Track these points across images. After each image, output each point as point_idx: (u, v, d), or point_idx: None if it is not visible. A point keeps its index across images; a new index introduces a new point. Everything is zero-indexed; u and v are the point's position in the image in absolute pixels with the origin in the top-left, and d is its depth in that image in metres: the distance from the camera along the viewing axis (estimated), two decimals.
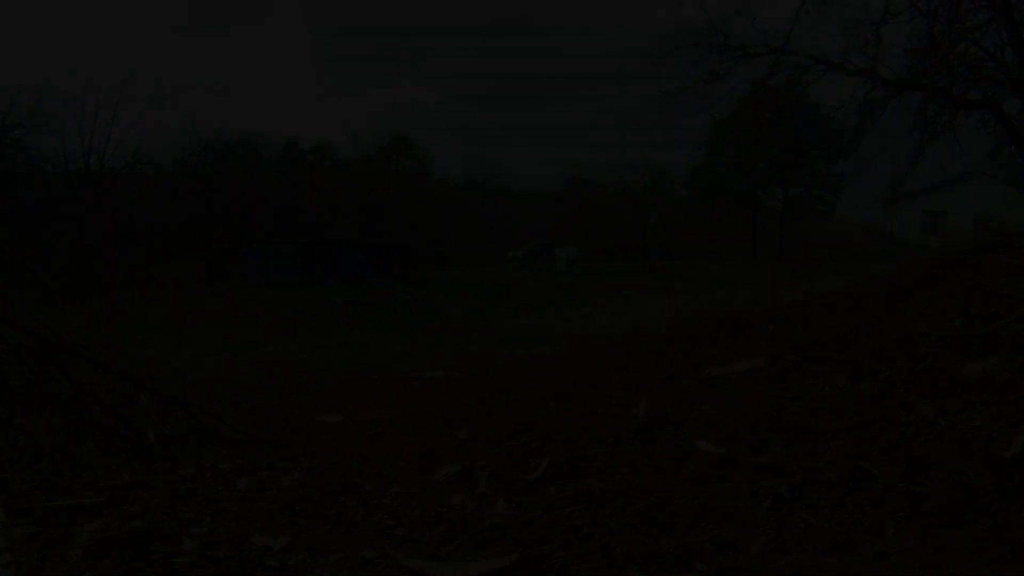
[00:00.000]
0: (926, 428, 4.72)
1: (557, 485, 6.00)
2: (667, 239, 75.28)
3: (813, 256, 58.06)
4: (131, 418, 10.61)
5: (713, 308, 17.53)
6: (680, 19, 16.06)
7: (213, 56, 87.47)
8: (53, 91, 55.48)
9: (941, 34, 12.38)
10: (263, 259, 46.23)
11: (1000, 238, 14.39)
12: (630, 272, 55.40)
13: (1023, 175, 19.23)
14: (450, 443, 9.43)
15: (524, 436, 8.70)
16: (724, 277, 47.62)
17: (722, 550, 3.88)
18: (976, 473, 3.81)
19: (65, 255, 32.99)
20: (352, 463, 8.83)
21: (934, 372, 5.97)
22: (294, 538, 5.41)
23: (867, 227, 67.95)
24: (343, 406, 15.69)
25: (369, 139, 60.61)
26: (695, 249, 78.86)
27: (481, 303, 38.89)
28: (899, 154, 16.72)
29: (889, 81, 14.91)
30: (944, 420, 4.71)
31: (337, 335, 28.25)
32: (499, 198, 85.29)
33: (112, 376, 11.26)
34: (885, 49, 14.53)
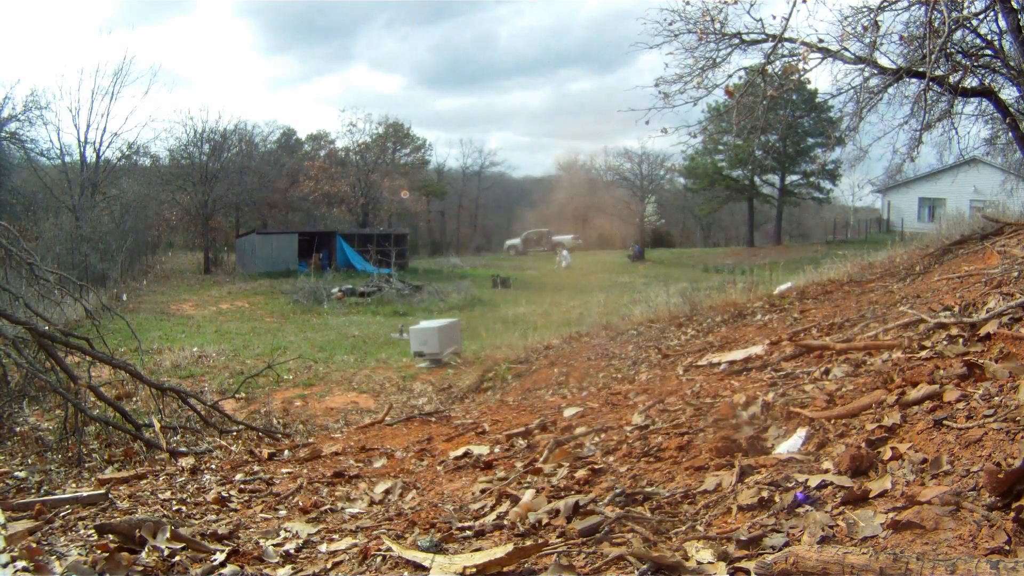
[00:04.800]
0: (924, 417, 4.73)
1: (556, 475, 6.02)
2: (663, 227, 75.23)
3: (810, 243, 58.13)
4: (130, 409, 10.64)
5: (710, 296, 17.53)
6: (676, 7, 15.89)
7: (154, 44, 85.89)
8: (48, 83, 55.27)
9: (939, 21, 12.33)
10: (260, 249, 46.24)
11: (997, 225, 14.40)
12: (624, 262, 55.46)
13: (1020, 163, 19.24)
14: (447, 433, 9.45)
15: (523, 425, 8.71)
16: (721, 264, 47.65)
17: (719, 539, 3.90)
18: (976, 470, 3.81)
19: (62, 247, 32.94)
20: (351, 453, 8.86)
21: (931, 361, 5.97)
22: (293, 529, 5.42)
23: (864, 214, 68.03)
24: (342, 396, 15.74)
25: (365, 127, 60.29)
26: (692, 237, 78.89)
27: (479, 292, 38.90)
28: (896, 141, 16.73)
29: (887, 69, 14.89)
30: (941, 410, 4.72)
31: (334, 324, 28.26)
32: (495, 185, 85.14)
33: (110, 367, 11.27)
34: (882, 36, 14.50)
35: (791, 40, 15.14)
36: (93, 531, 5.03)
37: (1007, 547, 3.01)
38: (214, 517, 6.10)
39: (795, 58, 15.82)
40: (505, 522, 4.84)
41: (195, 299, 35.14)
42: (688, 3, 15.58)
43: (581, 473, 5.87)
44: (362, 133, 60.18)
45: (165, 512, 6.14)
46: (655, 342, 13.76)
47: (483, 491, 6.07)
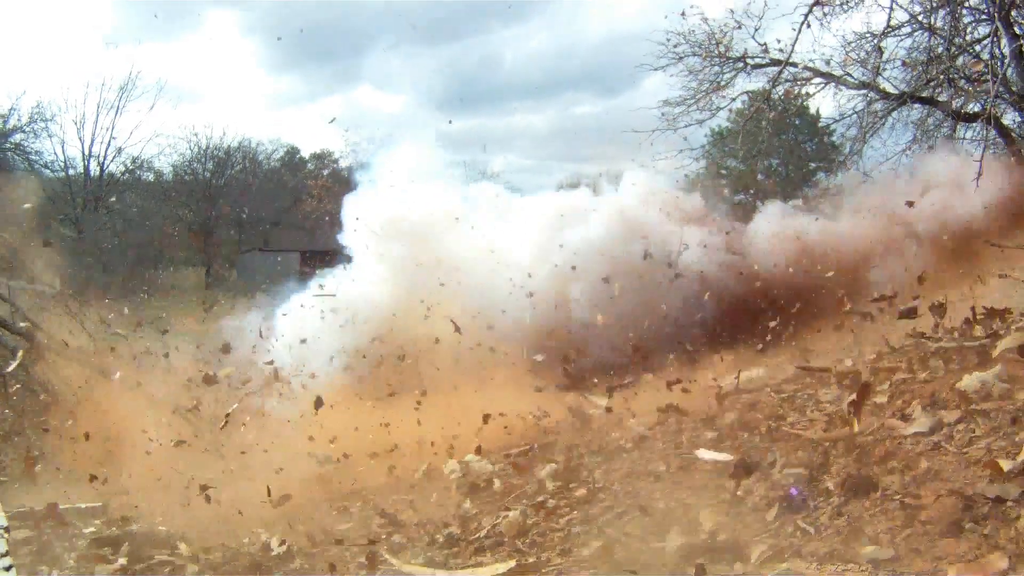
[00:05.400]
0: (924, 438, 4.73)
1: (556, 492, 5.99)
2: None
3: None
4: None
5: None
6: (682, 29, 16.01)
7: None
8: (53, 96, 55.26)
9: (941, 47, 12.43)
10: (262, 266, 46.21)
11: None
12: None
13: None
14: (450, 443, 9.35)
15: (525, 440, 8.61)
16: None
17: (720, 558, 3.89)
18: (975, 483, 3.81)
19: (64, 260, 32.94)
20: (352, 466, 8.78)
21: (932, 382, 5.97)
22: (292, 542, 5.40)
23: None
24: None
25: (368, 147, 60.25)
26: None
27: None
28: (899, 166, 16.73)
29: (889, 94, 14.98)
30: (942, 430, 4.72)
31: None
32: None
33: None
34: (885, 62, 14.62)
35: (795, 65, 15.24)
36: (91, 541, 5.03)
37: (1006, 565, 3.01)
38: (213, 526, 6.08)
39: (799, 83, 15.95)
40: (506, 538, 4.83)
41: (197, 314, 35.09)
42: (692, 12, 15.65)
43: (582, 491, 5.85)
44: (367, 154, 60.22)
45: (164, 521, 6.13)
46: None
47: (485, 504, 6.03)
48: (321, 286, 13.31)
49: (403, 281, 13.13)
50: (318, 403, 8.94)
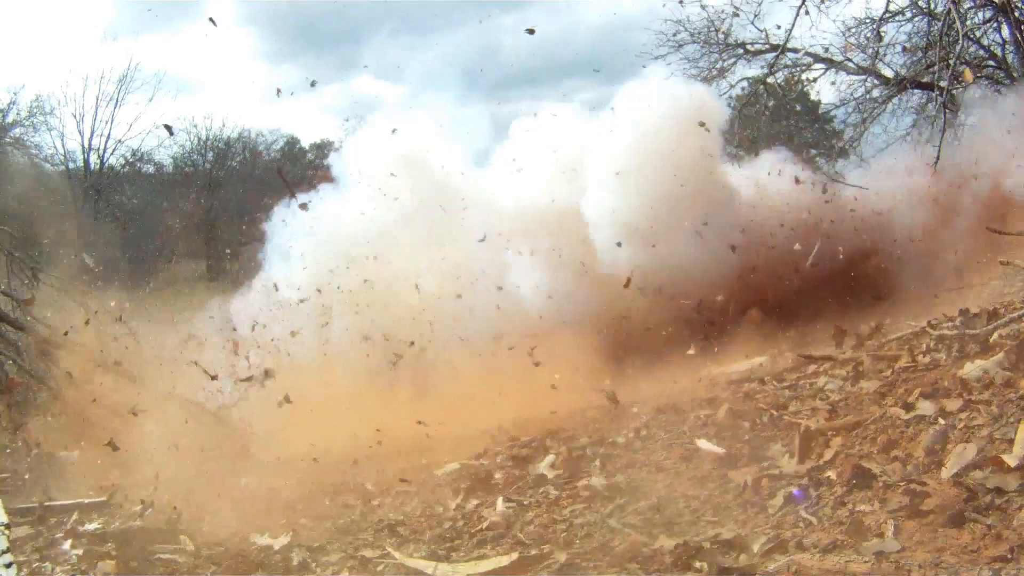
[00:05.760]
0: (927, 428, 4.72)
1: (558, 484, 5.99)
2: None
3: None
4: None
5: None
6: (681, 16, 15.98)
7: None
8: (52, 89, 55.04)
9: (941, 32, 12.38)
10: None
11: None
12: None
13: None
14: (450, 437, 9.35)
15: (526, 432, 8.61)
16: None
17: (722, 549, 3.88)
18: (977, 473, 3.81)
19: (65, 253, 32.93)
20: (353, 459, 8.78)
21: (935, 371, 5.96)
22: (294, 537, 5.40)
23: None
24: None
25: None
26: None
27: None
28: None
29: (890, 79, 14.95)
30: (944, 420, 4.71)
31: None
32: None
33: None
34: (886, 47, 14.58)
35: (794, 51, 15.20)
36: (93, 537, 5.03)
37: (1009, 555, 3.00)
38: (216, 521, 6.07)
39: (799, 69, 15.92)
40: (509, 530, 4.82)
41: (201, 306, 35.04)
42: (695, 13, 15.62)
43: (584, 482, 5.84)
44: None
45: (166, 517, 6.12)
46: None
47: (486, 497, 6.02)
48: (303, 205, 12.15)
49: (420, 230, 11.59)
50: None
